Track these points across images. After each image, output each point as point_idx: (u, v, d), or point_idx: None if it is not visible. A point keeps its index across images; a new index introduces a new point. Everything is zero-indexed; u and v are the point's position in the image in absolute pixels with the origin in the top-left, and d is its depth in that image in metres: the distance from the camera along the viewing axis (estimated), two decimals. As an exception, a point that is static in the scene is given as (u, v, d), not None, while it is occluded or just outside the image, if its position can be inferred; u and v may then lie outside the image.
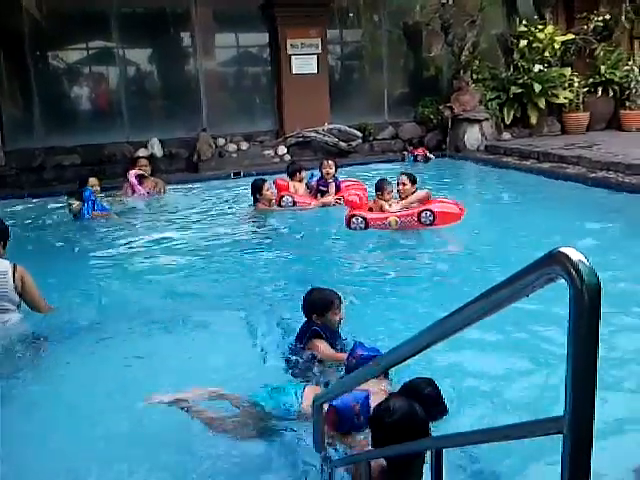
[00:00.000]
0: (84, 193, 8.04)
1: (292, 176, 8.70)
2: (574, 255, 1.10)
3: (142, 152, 11.22)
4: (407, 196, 6.92)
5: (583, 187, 8.78)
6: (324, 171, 8.36)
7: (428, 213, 6.60)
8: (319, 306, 3.72)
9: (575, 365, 1.09)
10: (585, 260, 1.10)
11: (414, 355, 1.61)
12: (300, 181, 8.67)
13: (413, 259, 6.13)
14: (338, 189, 8.32)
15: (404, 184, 6.99)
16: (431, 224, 6.62)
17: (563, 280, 1.11)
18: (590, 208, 7.71)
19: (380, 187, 7.01)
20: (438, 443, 1.63)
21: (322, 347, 3.64)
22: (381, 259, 6.15)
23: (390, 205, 6.90)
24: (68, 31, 11.50)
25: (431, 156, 11.91)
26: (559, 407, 1.13)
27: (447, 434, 1.76)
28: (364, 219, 6.81)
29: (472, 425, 2.82)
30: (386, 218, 6.78)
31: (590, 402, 1.10)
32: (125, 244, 7.01)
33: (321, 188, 8.36)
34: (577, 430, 1.11)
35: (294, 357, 3.71)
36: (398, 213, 6.79)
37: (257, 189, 8.11)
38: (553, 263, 1.13)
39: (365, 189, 8.32)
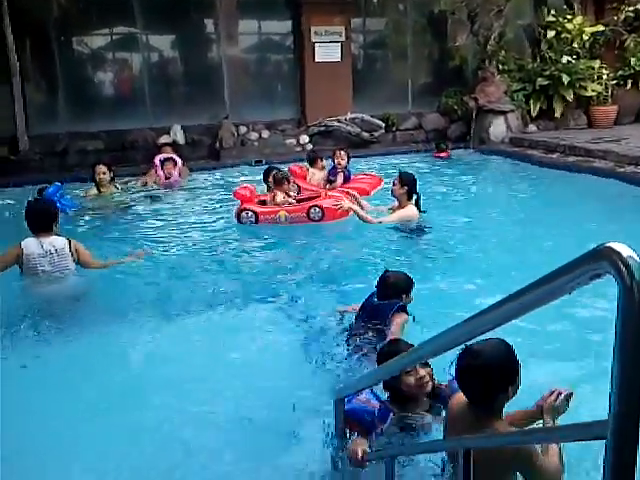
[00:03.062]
0: (46, 190, 7.33)
1: (313, 163, 8.63)
2: (623, 250, 1.04)
3: (164, 139, 11.24)
4: (397, 197, 6.41)
5: (611, 181, 8.59)
6: (336, 161, 8.27)
7: (317, 209, 6.60)
8: (408, 286, 3.92)
9: (622, 367, 1.03)
10: (635, 256, 1.03)
11: (449, 349, 1.56)
12: (322, 168, 8.55)
13: (433, 254, 5.96)
14: (347, 180, 8.17)
15: (394, 184, 6.42)
16: (320, 220, 6.61)
17: (610, 277, 1.05)
18: (620, 203, 7.55)
19: (279, 181, 6.98)
20: (468, 443, 1.57)
21: (401, 321, 3.73)
22: (401, 252, 6.01)
23: (284, 198, 6.83)
24: (93, 17, 11.49)
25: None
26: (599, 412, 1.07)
27: (481, 435, 1.70)
28: (254, 213, 6.81)
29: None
30: (276, 212, 6.76)
31: (637, 407, 1.04)
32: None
33: (330, 178, 8.28)
34: (621, 436, 1.05)
35: (363, 335, 3.76)
36: (288, 208, 6.76)
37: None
38: (600, 258, 1.06)
39: (380, 181, 8.29)
